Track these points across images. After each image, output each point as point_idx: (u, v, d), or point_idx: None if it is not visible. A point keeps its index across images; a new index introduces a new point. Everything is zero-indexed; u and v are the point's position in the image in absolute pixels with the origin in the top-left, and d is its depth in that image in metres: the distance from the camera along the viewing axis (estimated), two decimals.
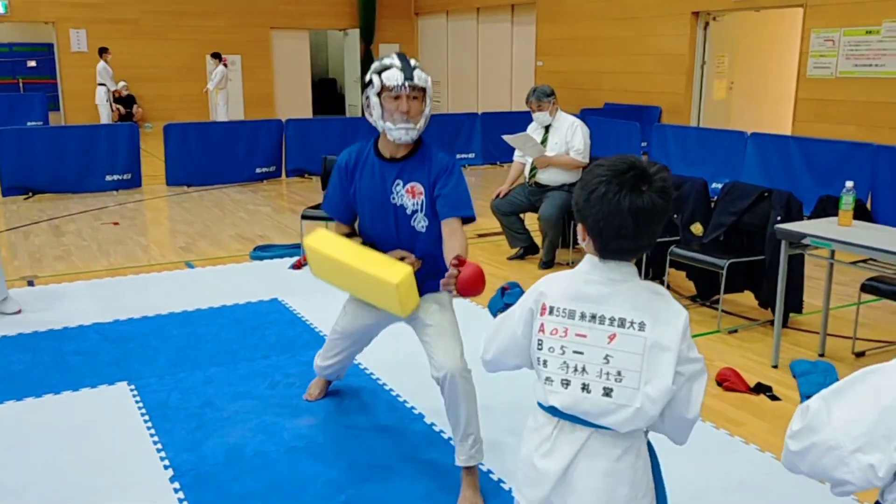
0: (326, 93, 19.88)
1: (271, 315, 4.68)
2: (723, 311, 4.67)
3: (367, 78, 2.73)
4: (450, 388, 2.64)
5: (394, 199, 2.77)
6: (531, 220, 6.00)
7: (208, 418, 3.34)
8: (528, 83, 12.88)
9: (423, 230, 2.79)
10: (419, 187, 2.75)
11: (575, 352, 1.61)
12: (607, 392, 1.58)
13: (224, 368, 3.87)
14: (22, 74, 17.74)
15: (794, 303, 4.46)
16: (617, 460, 1.62)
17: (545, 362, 1.65)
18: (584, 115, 8.21)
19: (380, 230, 2.84)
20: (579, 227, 1.63)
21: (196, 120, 12.86)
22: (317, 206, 5.81)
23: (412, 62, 2.70)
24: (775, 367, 3.93)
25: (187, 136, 9.37)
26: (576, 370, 1.61)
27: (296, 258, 5.87)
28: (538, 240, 5.92)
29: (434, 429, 3.27)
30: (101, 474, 2.90)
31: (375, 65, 2.72)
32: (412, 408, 3.46)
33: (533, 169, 5.81)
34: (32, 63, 17.82)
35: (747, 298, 4.85)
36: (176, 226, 7.37)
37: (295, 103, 17.40)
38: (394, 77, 2.64)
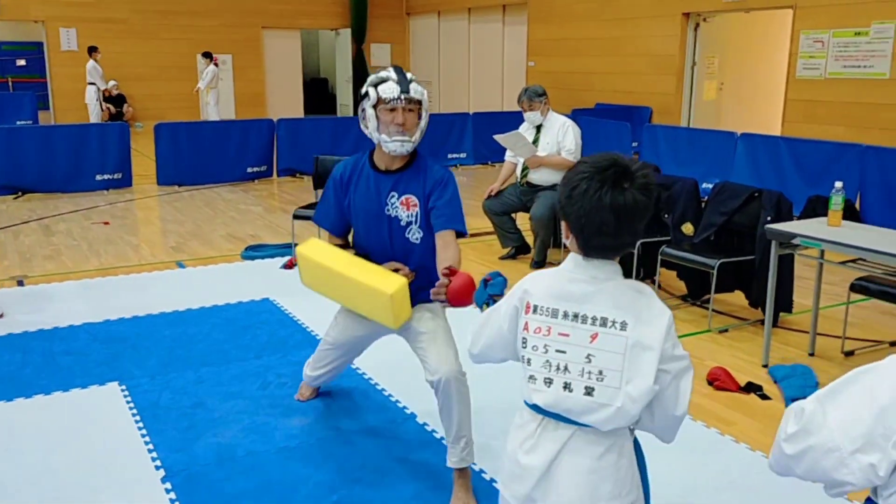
0: (318, 92, 19.86)
1: (263, 315, 4.67)
2: (713, 310, 4.69)
3: (364, 90, 2.75)
4: (444, 391, 2.65)
5: (388, 210, 2.78)
6: (523, 220, 6.01)
7: (200, 418, 3.34)
8: (520, 83, 12.91)
9: (418, 242, 2.80)
10: (414, 199, 2.76)
11: (558, 350, 1.63)
12: (589, 391, 1.59)
13: (215, 368, 3.87)
14: (11, 73, 17.63)
15: (784, 302, 4.50)
16: (599, 458, 1.63)
17: (529, 360, 1.67)
18: (575, 116, 8.23)
19: (374, 242, 2.85)
20: (563, 225, 1.65)
21: (187, 119, 12.83)
22: (308, 206, 5.80)
23: (408, 76, 2.73)
24: (765, 366, 3.95)
25: (178, 136, 9.33)
26: (558, 369, 1.62)
27: (287, 258, 5.86)
28: (530, 239, 5.94)
29: (426, 429, 3.27)
30: (92, 475, 2.89)
31: (372, 77, 2.75)
32: (404, 408, 3.46)
33: (525, 169, 5.82)
34: (22, 62, 17.73)
35: (738, 298, 4.88)
36: (167, 225, 7.35)
37: (286, 103, 17.35)
38: (390, 90, 2.67)
